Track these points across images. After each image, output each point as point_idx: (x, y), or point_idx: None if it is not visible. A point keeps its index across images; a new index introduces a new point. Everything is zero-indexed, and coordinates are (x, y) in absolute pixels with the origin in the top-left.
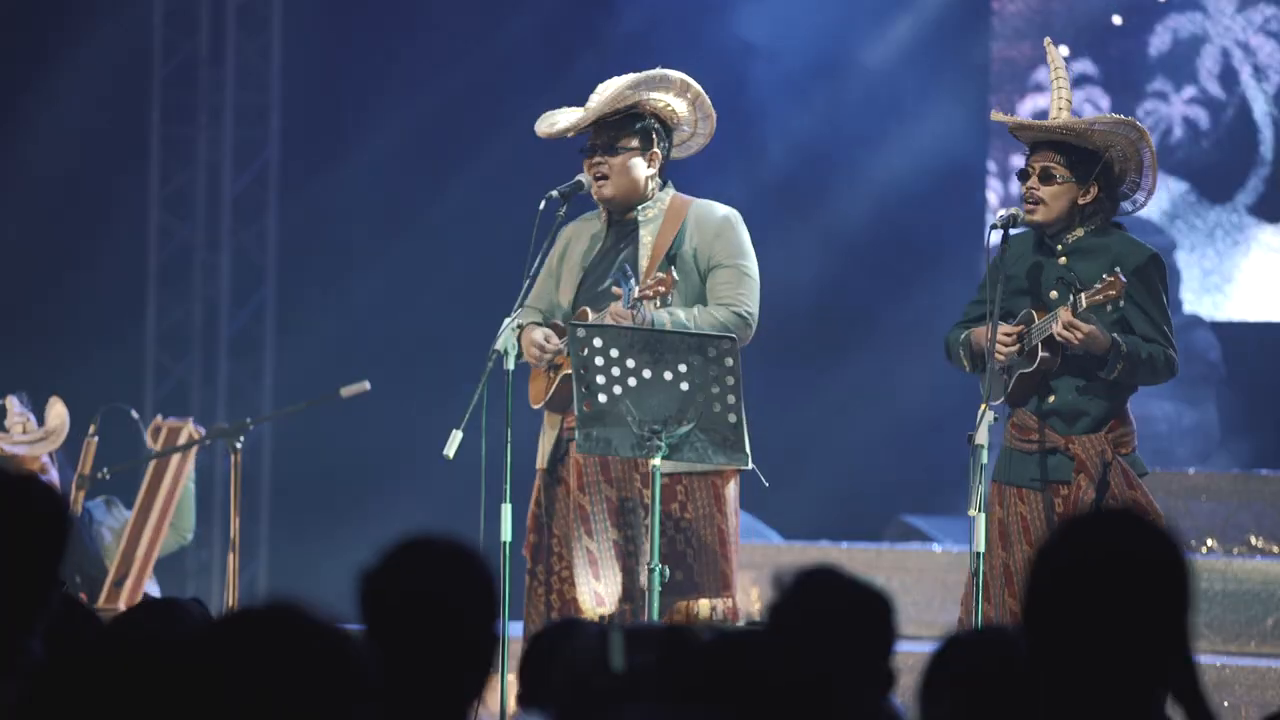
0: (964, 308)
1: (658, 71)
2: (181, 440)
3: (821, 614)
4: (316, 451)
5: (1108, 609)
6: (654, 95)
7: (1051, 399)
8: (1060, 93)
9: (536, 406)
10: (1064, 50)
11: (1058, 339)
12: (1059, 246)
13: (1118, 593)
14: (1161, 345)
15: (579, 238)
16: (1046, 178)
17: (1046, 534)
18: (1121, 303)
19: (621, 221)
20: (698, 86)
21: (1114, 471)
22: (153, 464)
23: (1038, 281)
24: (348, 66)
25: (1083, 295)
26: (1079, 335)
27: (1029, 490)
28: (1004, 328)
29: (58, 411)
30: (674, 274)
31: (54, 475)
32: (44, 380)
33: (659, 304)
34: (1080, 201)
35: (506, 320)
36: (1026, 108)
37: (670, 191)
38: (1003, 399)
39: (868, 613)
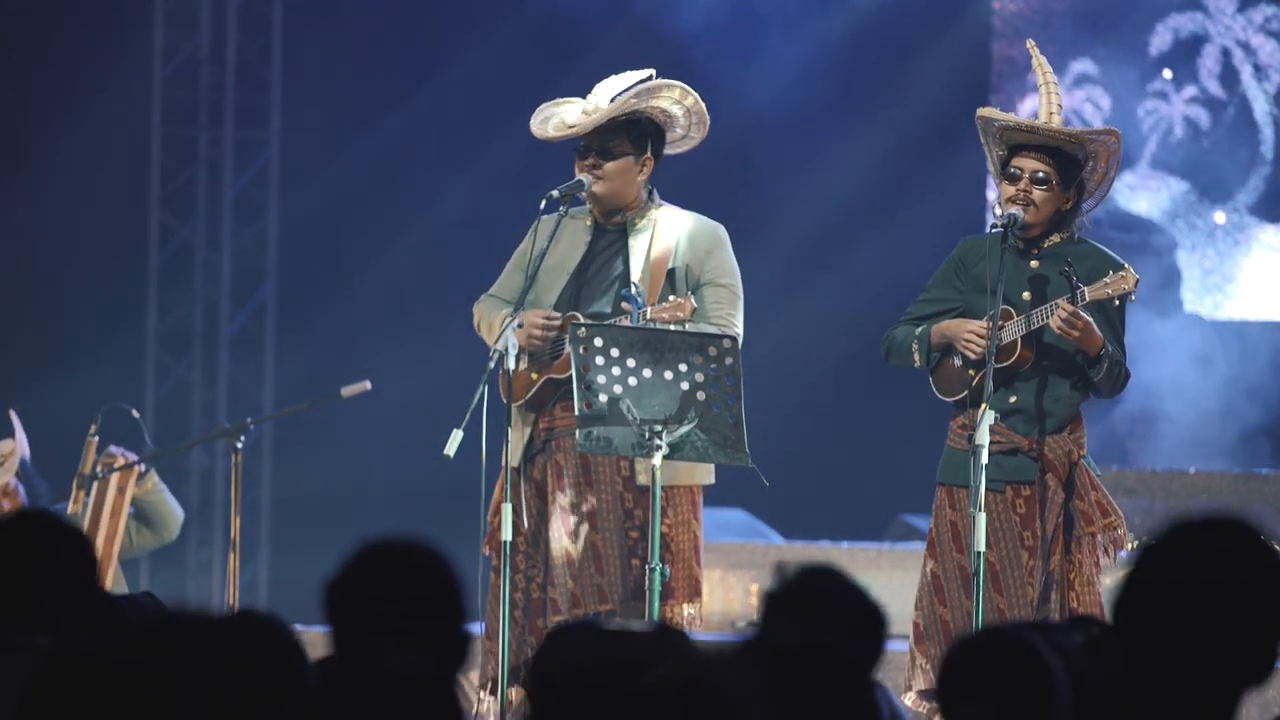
0: (908, 306)
1: (660, 81)
2: (116, 473)
3: (817, 611)
4: (317, 451)
5: (1209, 615)
6: (653, 102)
7: (1014, 399)
8: (1050, 97)
9: (517, 403)
10: (1062, 50)
11: (1056, 331)
12: (1034, 250)
13: (1221, 601)
14: (1123, 359)
15: (562, 237)
16: (1040, 181)
17: (1017, 532)
18: (1133, 298)
19: (609, 227)
20: (695, 95)
21: (1079, 472)
22: (92, 500)
23: (1008, 283)
24: (348, 66)
25: (1086, 290)
26: (1080, 325)
27: (987, 490)
28: (975, 324)
29: (15, 427)
30: (693, 300)
31: (21, 495)
32: (44, 380)
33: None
34: (1062, 208)
35: (507, 320)
36: (1027, 107)
37: (658, 202)
38: (964, 394)
39: (862, 619)
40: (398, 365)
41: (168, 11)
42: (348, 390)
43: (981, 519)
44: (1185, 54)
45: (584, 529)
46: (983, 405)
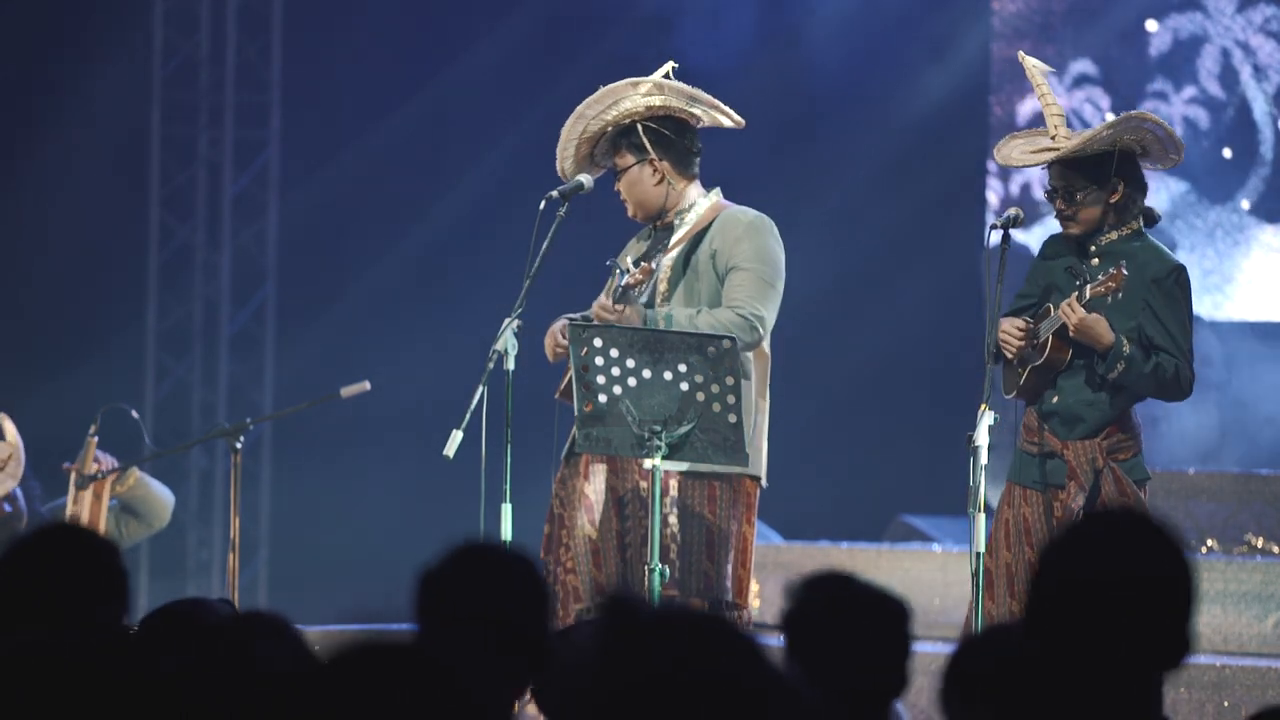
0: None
1: (598, 92)
2: (93, 482)
3: (837, 622)
4: (317, 451)
5: (1107, 617)
6: (621, 108)
7: (1055, 399)
8: (1050, 109)
9: (556, 397)
10: (1062, 50)
11: (1061, 318)
12: (1092, 248)
13: (1118, 603)
14: (1174, 357)
15: (631, 252)
16: (1070, 197)
17: (1046, 536)
18: (1120, 294)
19: (662, 228)
20: (650, 79)
21: (1106, 479)
22: (71, 506)
23: (1063, 282)
24: (348, 66)
25: (1088, 287)
26: (1076, 317)
27: (1033, 491)
28: (1015, 321)
29: (9, 430)
30: (653, 264)
31: (20, 501)
32: (44, 380)
33: (639, 292)
34: (1111, 201)
35: (506, 320)
36: (1027, 107)
37: (712, 198)
38: (1015, 393)
39: (883, 618)
40: (397, 365)
41: (167, 11)
42: (347, 390)
43: (981, 519)
44: (1185, 54)
45: (609, 517)
46: (981, 406)
